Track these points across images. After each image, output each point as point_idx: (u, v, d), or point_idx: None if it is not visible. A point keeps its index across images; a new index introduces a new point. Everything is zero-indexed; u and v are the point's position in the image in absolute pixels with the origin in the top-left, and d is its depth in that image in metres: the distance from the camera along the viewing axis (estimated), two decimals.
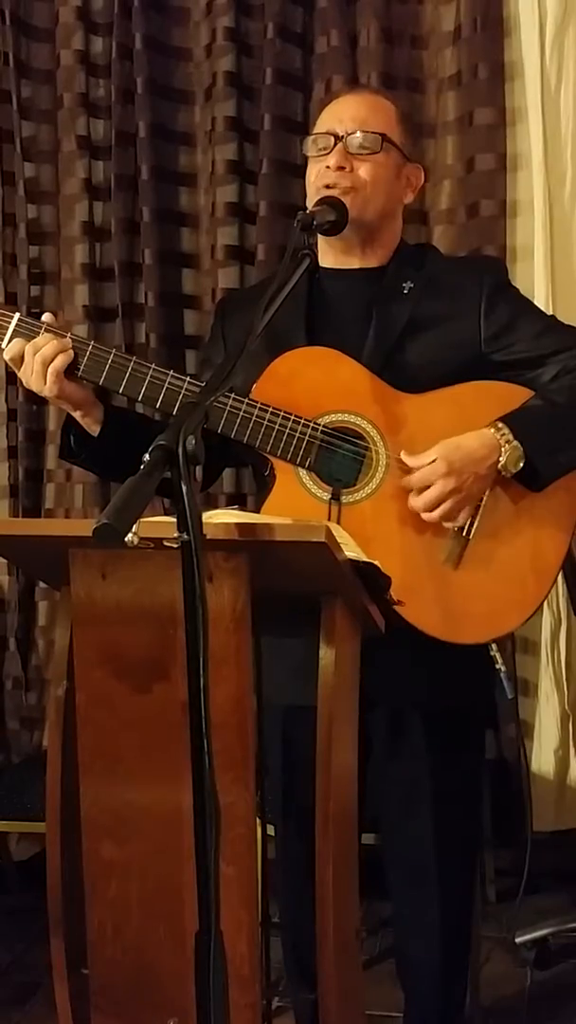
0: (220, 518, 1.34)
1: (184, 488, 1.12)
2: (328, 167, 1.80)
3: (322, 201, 1.78)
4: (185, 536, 1.11)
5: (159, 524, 1.23)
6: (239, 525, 1.32)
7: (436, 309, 1.84)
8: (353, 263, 1.88)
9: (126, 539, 1.10)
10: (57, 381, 1.71)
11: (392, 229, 1.90)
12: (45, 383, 1.71)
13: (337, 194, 1.79)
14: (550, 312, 2.05)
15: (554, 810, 2.85)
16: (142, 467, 1.13)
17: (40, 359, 1.70)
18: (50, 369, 1.70)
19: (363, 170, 1.81)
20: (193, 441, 1.14)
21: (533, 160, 2.73)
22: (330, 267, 1.89)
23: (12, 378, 3.00)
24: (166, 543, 1.22)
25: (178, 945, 1.36)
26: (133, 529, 1.11)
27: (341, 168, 1.80)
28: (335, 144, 1.81)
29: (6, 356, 1.74)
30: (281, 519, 1.41)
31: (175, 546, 1.13)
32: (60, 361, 1.71)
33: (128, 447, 1.55)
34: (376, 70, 2.76)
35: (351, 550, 1.39)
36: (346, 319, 1.86)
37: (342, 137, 1.81)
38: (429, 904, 1.90)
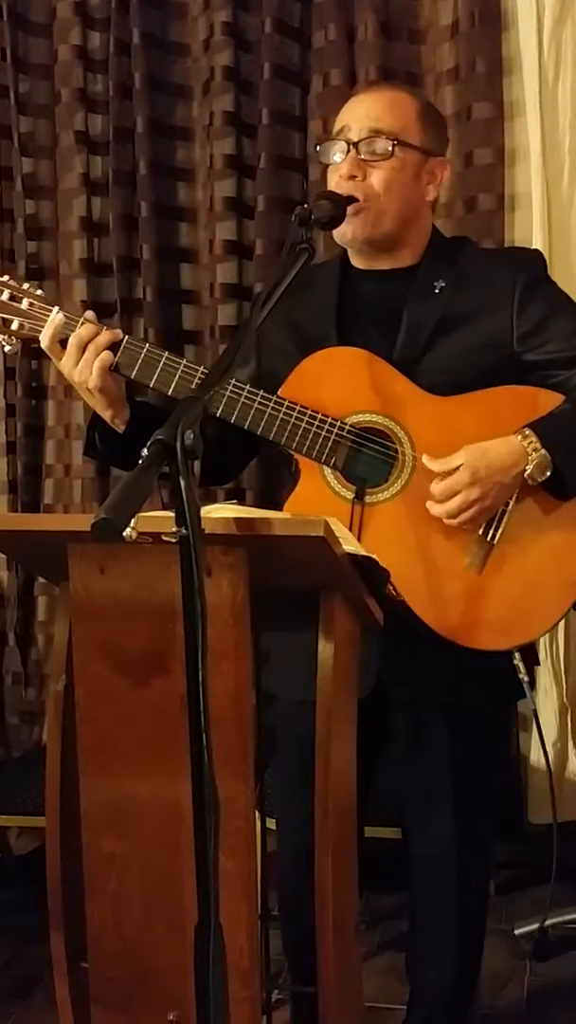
0: (218, 512, 1.35)
1: (182, 483, 1.12)
2: (341, 176, 1.79)
3: (322, 195, 1.76)
4: (183, 531, 1.11)
5: (157, 519, 1.23)
6: (237, 520, 1.32)
7: (468, 307, 1.81)
8: (383, 265, 1.86)
9: (124, 534, 1.10)
10: (102, 375, 1.72)
11: (419, 228, 1.87)
12: (91, 374, 1.72)
13: (350, 213, 1.76)
14: None
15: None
16: (140, 462, 1.13)
17: (93, 347, 1.71)
18: (97, 362, 1.71)
19: (375, 178, 1.78)
20: (191, 436, 1.14)
21: (531, 154, 2.73)
22: (361, 268, 1.88)
23: (11, 373, 3.01)
24: (164, 538, 1.23)
25: (178, 938, 1.37)
26: (131, 524, 1.11)
27: (353, 177, 1.78)
28: (348, 151, 1.79)
29: (44, 344, 1.74)
30: (285, 515, 1.41)
31: (173, 540, 1.13)
32: (108, 356, 1.72)
33: None
34: (374, 64, 2.76)
35: (349, 544, 1.39)
36: (377, 319, 1.84)
37: (355, 143, 1.78)
38: (448, 894, 1.92)
